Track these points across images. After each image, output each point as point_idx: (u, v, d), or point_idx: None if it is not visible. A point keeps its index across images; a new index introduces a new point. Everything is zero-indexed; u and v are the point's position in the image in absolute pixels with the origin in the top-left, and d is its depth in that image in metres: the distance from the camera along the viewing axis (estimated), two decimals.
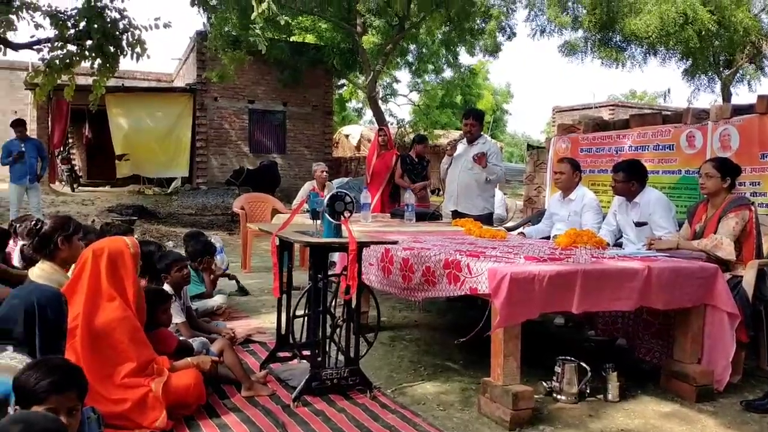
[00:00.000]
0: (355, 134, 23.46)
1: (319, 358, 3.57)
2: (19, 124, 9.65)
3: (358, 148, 22.51)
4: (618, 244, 4.78)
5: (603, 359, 3.71)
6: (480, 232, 4.82)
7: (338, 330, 3.69)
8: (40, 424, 1.60)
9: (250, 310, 5.75)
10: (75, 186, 16.69)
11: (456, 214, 6.10)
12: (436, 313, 5.75)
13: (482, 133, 6.39)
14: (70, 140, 18.59)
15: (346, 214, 3.58)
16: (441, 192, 8.05)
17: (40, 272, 3.67)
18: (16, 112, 19.55)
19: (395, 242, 3.97)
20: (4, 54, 11.20)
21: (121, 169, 16.34)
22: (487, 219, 5.99)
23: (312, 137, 18.83)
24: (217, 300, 5.40)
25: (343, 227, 3.60)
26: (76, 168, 18.65)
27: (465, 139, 6.29)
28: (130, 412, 3.03)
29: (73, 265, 3.82)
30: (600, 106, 25.14)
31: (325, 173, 8.06)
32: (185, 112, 16.91)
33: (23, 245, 5.11)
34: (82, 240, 3.87)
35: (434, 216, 6.21)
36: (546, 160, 7.61)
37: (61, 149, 16.87)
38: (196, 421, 3.19)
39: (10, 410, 2.32)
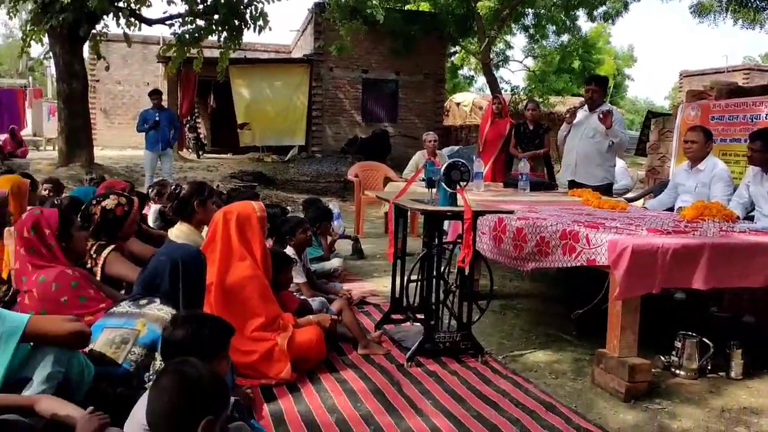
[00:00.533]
0: (466, 102, 23.17)
1: (432, 322, 3.68)
2: (155, 93, 10.36)
3: (469, 115, 22.25)
4: (749, 218, 4.50)
5: (727, 336, 3.56)
6: (599, 203, 4.70)
7: (451, 296, 3.76)
8: (198, 370, 1.76)
9: (364, 273, 5.95)
10: (200, 153, 17.73)
11: (573, 185, 5.95)
12: (547, 284, 5.70)
13: (604, 99, 6.15)
14: (196, 110, 19.69)
15: (462, 183, 3.62)
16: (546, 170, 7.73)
17: (179, 233, 4.02)
18: (148, 83, 20.94)
19: (511, 212, 3.97)
20: (139, 29, 12.08)
21: (243, 138, 17.16)
22: (606, 190, 5.80)
23: (423, 106, 18.83)
24: (333, 263, 5.63)
25: (459, 196, 3.65)
26: (202, 136, 19.75)
27: (586, 106, 6.08)
28: (258, 363, 3.29)
29: (205, 227, 4.15)
30: (733, 70, 23.25)
31: (434, 142, 8.07)
32: (302, 82, 17.43)
33: (161, 207, 5.58)
34: (214, 204, 4.19)
35: (549, 186, 6.09)
36: (672, 128, 7.21)
37: (189, 118, 17.95)
38: (317, 375, 3.40)
39: (158, 355, 2.59)
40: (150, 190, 6.43)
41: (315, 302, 4.20)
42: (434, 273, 3.72)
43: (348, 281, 5.53)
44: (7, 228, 3.55)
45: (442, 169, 3.62)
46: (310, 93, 17.50)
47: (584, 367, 3.60)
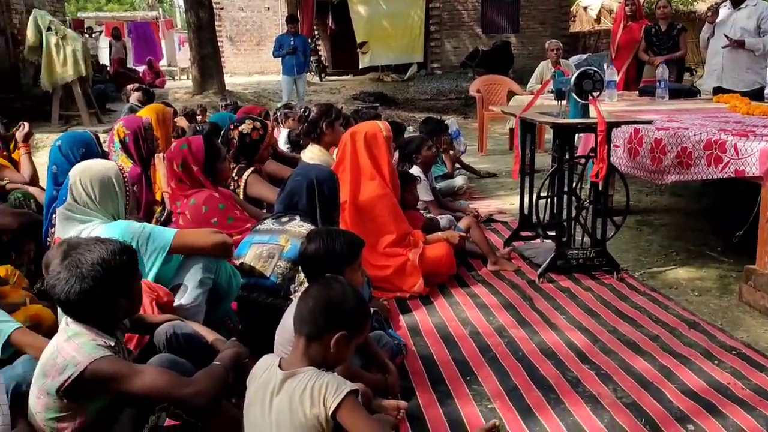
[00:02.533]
0: (594, 5, 21.57)
1: (564, 239, 3.62)
2: (292, 21, 10.61)
3: (597, 20, 20.76)
4: None
5: None
6: (748, 109, 4.29)
7: (584, 212, 3.66)
8: (344, 288, 1.86)
9: (489, 191, 5.91)
10: (322, 75, 17.97)
11: (719, 91, 5.45)
12: (688, 198, 5.37)
13: None
14: (317, 32, 19.81)
15: (594, 93, 3.44)
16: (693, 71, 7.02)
17: (311, 154, 4.17)
18: (269, 8, 21.25)
19: (650, 122, 3.73)
20: None
21: (362, 60, 17.15)
22: (757, 95, 5.27)
23: (547, 12, 17.77)
24: (458, 181, 5.62)
25: (591, 107, 3.48)
26: (323, 58, 19.96)
27: (728, 1, 5.46)
28: (392, 277, 3.42)
29: (333, 148, 4.27)
30: None
31: (558, 51, 7.63)
32: None
33: (290, 131, 5.79)
34: (342, 125, 4.28)
35: (690, 92, 5.62)
36: None
37: (309, 41, 18.13)
38: (449, 289, 3.49)
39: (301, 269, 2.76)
40: (277, 114, 6.65)
41: (443, 220, 4.25)
42: (565, 189, 3.62)
43: (473, 199, 5.52)
44: (156, 154, 3.85)
45: (573, 79, 3.44)
46: (427, 7, 17.03)
47: (730, 285, 3.42)
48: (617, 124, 3.59)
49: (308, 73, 17.59)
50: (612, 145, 4.09)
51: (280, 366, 1.75)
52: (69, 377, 1.74)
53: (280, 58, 10.56)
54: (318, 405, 1.62)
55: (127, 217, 2.57)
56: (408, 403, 2.33)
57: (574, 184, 3.62)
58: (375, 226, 3.50)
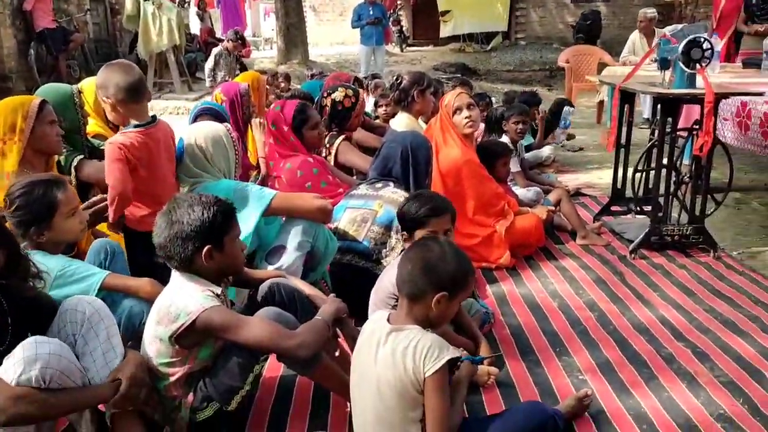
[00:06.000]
0: None
1: (660, 214, 3.50)
2: None
3: None
4: None
5: None
6: None
7: (682, 187, 3.53)
8: (443, 249, 1.85)
9: (577, 164, 5.76)
10: (403, 46, 17.86)
11: None
12: None
13: None
14: (399, 2, 19.64)
15: (703, 62, 3.29)
16: None
17: (400, 122, 4.18)
18: None
19: (761, 93, 3.53)
20: None
21: (444, 28, 16.89)
22: None
23: None
24: (545, 151, 5.49)
25: (698, 77, 3.32)
26: (404, 29, 19.82)
27: None
28: (478, 247, 3.40)
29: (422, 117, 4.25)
30: None
31: (652, 21, 7.26)
32: None
33: (376, 100, 5.80)
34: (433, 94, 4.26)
35: None
36: None
37: (392, 12, 17.99)
38: (536, 261, 3.46)
39: (393, 234, 2.81)
40: (368, 82, 6.66)
41: (530, 192, 4.19)
42: (664, 163, 3.49)
43: (561, 172, 5.40)
44: (253, 119, 3.96)
45: (681, 47, 3.29)
46: None
47: None
48: (726, 96, 3.41)
49: (389, 44, 17.57)
50: (720, 118, 3.91)
51: (388, 319, 1.79)
52: (182, 325, 1.82)
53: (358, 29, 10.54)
54: (418, 364, 1.66)
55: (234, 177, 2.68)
56: (498, 370, 2.35)
57: (675, 158, 3.48)
58: (458, 191, 3.37)
